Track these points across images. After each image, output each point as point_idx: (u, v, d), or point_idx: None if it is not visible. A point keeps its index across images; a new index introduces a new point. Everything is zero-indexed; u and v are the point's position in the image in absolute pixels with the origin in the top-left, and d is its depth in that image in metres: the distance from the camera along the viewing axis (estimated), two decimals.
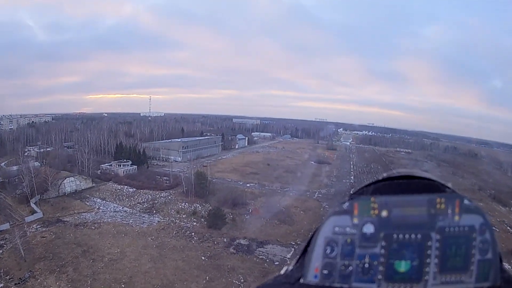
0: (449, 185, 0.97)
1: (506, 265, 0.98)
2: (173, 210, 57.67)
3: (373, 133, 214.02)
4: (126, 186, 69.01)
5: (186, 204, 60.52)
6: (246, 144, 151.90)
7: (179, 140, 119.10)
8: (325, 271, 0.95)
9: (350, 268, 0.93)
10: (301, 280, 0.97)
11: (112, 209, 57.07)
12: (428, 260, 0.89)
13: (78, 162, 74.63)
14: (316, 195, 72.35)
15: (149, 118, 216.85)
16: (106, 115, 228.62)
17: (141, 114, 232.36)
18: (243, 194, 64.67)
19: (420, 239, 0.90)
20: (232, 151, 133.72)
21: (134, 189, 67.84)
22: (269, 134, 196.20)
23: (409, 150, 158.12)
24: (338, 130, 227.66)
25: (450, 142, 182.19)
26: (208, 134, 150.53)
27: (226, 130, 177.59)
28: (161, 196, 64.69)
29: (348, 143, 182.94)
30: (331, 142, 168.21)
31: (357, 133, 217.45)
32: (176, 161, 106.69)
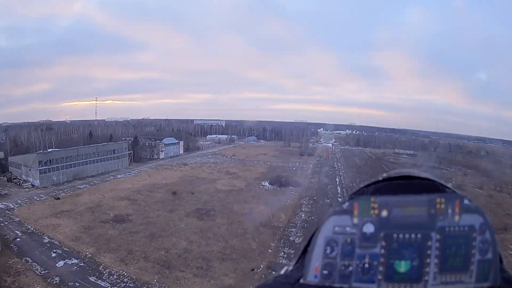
0: (449, 185, 0.93)
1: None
2: None
3: (358, 132, 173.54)
4: None
5: None
6: (181, 152, 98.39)
7: (40, 152, 65.25)
8: (325, 271, 0.91)
9: (350, 268, 0.90)
10: (301, 280, 0.94)
11: None
12: (428, 260, 0.86)
13: None
14: None
15: (95, 122, 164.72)
16: (69, 122, 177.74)
17: (107, 119, 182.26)
18: None
19: (420, 239, 0.87)
20: (148, 163, 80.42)
21: None
22: (225, 136, 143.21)
23: (412, 152, 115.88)
24: (318, 130, 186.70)
25: (444, 140, 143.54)
26: (127, 139, 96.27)
27: (181, 134, 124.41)
28: None
29: (330, 145, 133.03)
30: (306, 145, 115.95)
31: (340, 133, 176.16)
32: (30, 187, 57.55)
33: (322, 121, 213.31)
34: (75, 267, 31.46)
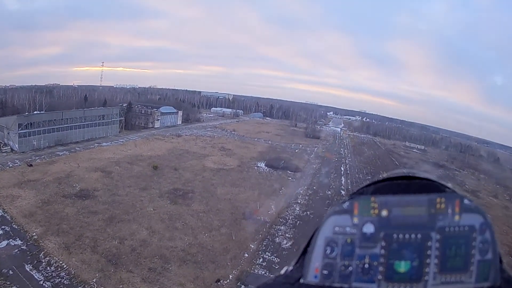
0: (449, 185, 0.93)
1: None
2: None
3: (367, 119, 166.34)
4: None
5: None
6: (179, 122, 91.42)
7: (20, 114, 58.75)
8: (325, 271, 0.91)
9: (350, 268, 0.89)
10: (301, 280, 0.93)
11: None
12: (428, 260, 0.85)
13: None
14: None
15: (100, 88, 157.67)
16: (76, 86, 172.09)
17: (115, 86, 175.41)
18: None
19: (420, 239, 0.87)
20: (141, 132, 73.90)
21: None
22: (230, 110, 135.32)
23: (422, 147, 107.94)
24: (328, 113, 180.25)
25: (454, 139, 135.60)
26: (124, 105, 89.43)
27: (181, 104, 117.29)
28: None
29: (339, 130, 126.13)
30: (314, 127, 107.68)
31: (349, 118, 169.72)
32: (8, 151, 51.92)
33: (332, 105, 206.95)
34: (16, 250, 26.17)
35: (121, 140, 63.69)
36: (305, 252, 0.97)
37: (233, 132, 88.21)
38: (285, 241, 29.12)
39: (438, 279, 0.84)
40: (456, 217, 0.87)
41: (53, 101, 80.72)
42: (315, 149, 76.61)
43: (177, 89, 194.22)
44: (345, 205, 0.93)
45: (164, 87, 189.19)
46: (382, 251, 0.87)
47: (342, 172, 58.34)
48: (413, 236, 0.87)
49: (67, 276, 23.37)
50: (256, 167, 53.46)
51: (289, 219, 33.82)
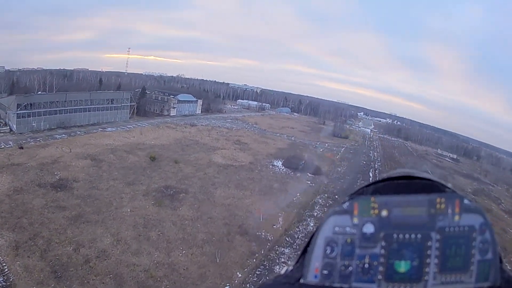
0: (449, 185, 0.92)
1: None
2: None
3: (398, 122, 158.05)
4: None
5: None
6: (198, 112, 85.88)
7: (20, 94, 55.63)
8: (325, 271, 0.90)
9: (350, 268, 0.88)
10: (301, 280, 0.91)
11: None
12: (428, 260, 0.84)
13: None
14: None
15: (126, 74, 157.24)
16: (103, 72, 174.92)
17: (143, 73, 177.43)
18: None
19: (420, 239, 0.86)
20: (154, 119, 69.00)
21: None
22: (256, 103, 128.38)
23: (455, 156, 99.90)
24: (358, 113, 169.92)
25: (485, 150, 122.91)
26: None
27: (203, 93, 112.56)
28: None
29: (369, 131, 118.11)
30: (342, 126, 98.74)
31: (380, 120, 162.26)
32: (7, 132, 48.97)
33: (363, 105, 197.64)
34: None
35: (129, 126, 58.71)
36: (305, 252, 0.95)
37: (254, 125, 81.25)
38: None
39: (438, 279, 0.84)
40: (456, 217, 0.87)
41: (68, 83, 77.60)
42: (342, 149, 67.79)
43: (205, 80, 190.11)
44: (345, 205, 0.92)
45: (191, 77, 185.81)
46: (382, 251, 0.86)
47: (371, 179, 49.51)
48: (413, 236, 0.86)
49: (3, 283, 18.34)
50: (271, 166, 46.16)
51: (298, 238, 26.04)
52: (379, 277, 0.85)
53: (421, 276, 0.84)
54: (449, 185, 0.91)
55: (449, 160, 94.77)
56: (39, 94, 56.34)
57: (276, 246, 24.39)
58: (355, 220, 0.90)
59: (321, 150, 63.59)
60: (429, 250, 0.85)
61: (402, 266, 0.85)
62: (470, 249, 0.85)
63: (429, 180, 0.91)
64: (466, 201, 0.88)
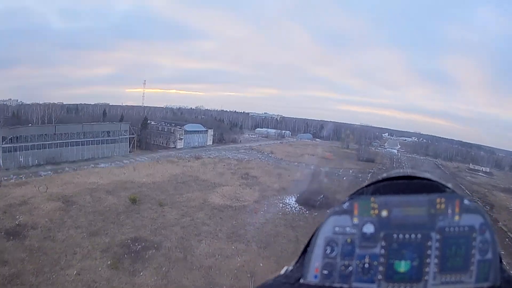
0: (449, 185, 0.92)
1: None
2: None
3: (424, 140, 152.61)
4: None
5: None
6: (209, 143, 79.79)
7: (5, 126, 52.41)
8: (325, 271, 0.89)
9: (350, 268, 0.88)
10: (301, 280, 0.91)
11: None
12: (428, 260, 0.84)
13: None
14: None
15: (142, 107, 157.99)
16: (123, 105, 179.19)
17: (164, 106, 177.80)
18: None
19: (420, 239, 0.86)
20: (157, 152, 63.41)
21: None
22: (274, 131, 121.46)
23: (487, 169, 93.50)
24: (382, 134, 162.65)
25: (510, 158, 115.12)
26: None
27: (223, 124, 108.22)
28: None
29: (395, 151, 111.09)
30: (367, 148, 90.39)
31: (405, 140, 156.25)
32: None
33: (387, 126, 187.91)
34: None
35: (126, 161, 52.94)
36: (305, 252, 0.95)
37: (269, 155, 73.55)
38: None
39: (438, 279, 0.83)
40: (456, 217, 0.86)
41: (69, 116, 74.62)
42: (369, 175, 58.07)
43: (224, 110, 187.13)
44: (345, 205, 0.92)
45: (211, 108, 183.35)
46: (382, 251, 0.86)
47: None
48: (413, 236, 0.86)
49: None
50: (281, 205, 37.84)
51: None
52: (379, 277, 0.85)
53: (421, 276, 0.83)
54: (449, 185, 0.90)
55: (482, 174, 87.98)
56: (26, 126, 52.33)
57: None
58: (355, 220, 0.89)
59: (344, 178, 54.42)
60: (429, 250, 0.84)
61: (402, 266, 0.84)
62: (470, 249, 0.84)
63: (429, 180, 0.91)
64: (466, 201, 0.87)
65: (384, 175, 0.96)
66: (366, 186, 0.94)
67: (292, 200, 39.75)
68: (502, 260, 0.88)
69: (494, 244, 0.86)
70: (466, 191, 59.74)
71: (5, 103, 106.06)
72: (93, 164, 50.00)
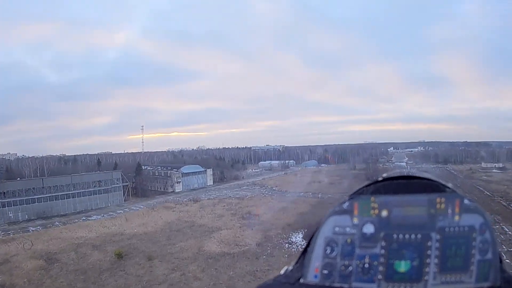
0: (449, 185, 0.92)
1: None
2: None
3: (430, 148, 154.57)
4: None
5: None
6: (209, 183, 76.56)
7: None
8: (325, 271, 0.90)
9: (350, 268, 0.88)
10: (301, 280, 0.92)
11: None
12: (428, 260, 0.84)
13: None
14: None
15: (142, 153, 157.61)
16: (124, 153, 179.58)
17: (166, 150, 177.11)
18: None
19: (420, 239, 0.86)
20: (155, 198, 60.48)
21: None
22: (278, 162, 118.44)
23: (500, 164, 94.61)
24: (388, 149, 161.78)
25: None
26: (152, 167, 79.02)
27: (222, 162, 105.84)
28: None
29: (404, 164, 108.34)
30: (375, 166, 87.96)
31: (411, 151, 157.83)
32: None
33: (391, 140, 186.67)
34: None
35: (119, 211, 49.90)
36: (305, 251, 0.95)
37: (273, 189, 70.02)
38: None
39: (438, 279, 0.83)
40: (456, 217, 0.86)
41: (66, 168, 72.56)
42: None
43: (226, 147, 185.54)
44: (345, 205, 0.92)
45: (212, 147, 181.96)
46: (382, 251, 0.86)
47: None
48: (413, 236, 0.85)
49: None
50: (286, 245, 33.94)
51: None
52: (379, 277, 0.84)
53: (421, 276, 0.83)
54: (449, 185, 0.90)
55: (496, 170, 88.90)
56: (14, 181, 50.31)
57: None
58: (355, 220, 0.89)
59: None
60: (429, 250, 0.84)
61: (402, 266, 0.84)
62: (470, 249, 0.83)
63: (429, 180, 0.91)
64: (466, 201, 0.87)
65: (384, 175, 0.95)
66: (366, 186, 0.93)
67: (298, 237, 35.89)
68: (502, 260, 0.87)
69: (494, 244, 0.85)
70: (487, 192, 58.02)
71: (3, 157, 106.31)
72: (85, 216, 47.25)
